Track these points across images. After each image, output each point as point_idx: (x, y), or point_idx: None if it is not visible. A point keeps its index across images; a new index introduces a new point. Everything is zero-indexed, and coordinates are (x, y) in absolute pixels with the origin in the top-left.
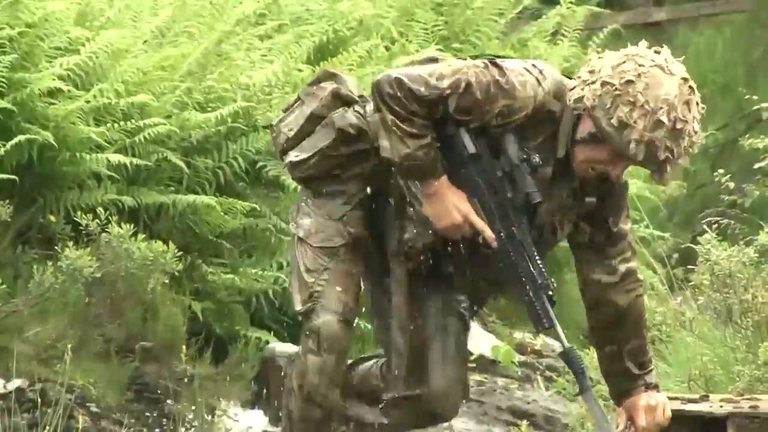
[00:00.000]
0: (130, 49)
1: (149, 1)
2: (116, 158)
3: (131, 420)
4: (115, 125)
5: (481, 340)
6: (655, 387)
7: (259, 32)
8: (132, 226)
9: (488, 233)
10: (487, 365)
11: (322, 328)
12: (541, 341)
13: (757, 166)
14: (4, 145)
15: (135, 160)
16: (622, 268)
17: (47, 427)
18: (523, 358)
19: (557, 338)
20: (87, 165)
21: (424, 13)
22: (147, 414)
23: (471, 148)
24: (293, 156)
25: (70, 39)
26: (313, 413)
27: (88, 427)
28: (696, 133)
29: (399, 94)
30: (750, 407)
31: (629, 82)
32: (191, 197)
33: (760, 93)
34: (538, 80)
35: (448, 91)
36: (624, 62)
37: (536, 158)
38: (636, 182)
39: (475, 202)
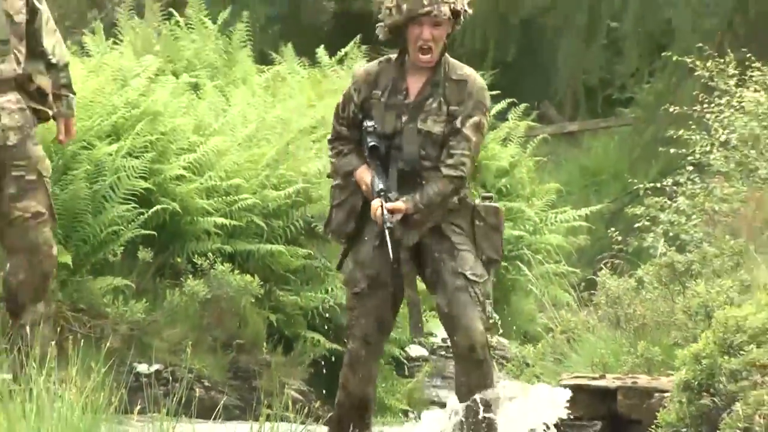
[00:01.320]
0: (229, 149)
1: (240, 117)
2: (220, 221)
3: (230, 391)
4: (219, 199)
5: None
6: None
7: (312, 137)
8: (230, 265)
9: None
10: None
11: (351, 351)
12: (495, 340)
13: (635, 226)
14: (147, 212)
15: (232, 222)
16: (454, 157)
17: (175, 396)
18: None
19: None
20: (201, 225)
21: None
22: (240, 387)
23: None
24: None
25: (190, 142)
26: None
27: (202, 396)
28: None
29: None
30: (632, 383)
31: None
32: (269, 246)
33: (639, 178)
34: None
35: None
36: None
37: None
38: (557, 236)
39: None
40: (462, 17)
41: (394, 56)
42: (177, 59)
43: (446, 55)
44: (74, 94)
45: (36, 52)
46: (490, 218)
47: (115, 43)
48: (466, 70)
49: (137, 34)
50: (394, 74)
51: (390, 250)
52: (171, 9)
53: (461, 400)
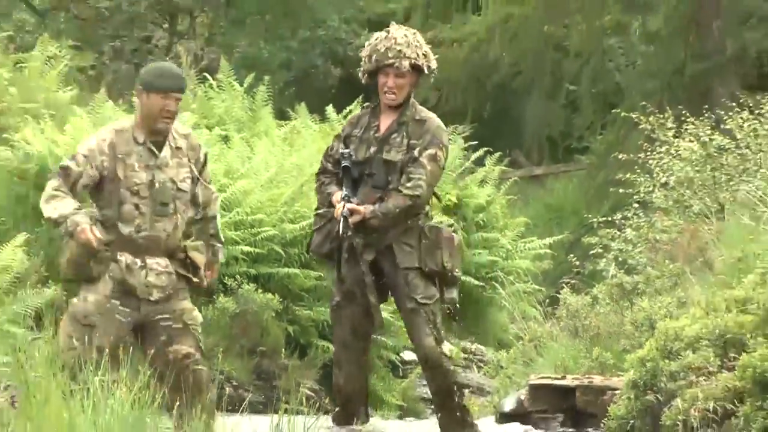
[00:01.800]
0: (253, 190)
1: (263, 163)
2: (246, 249)
3: (255, 390)
4: (245, 231)
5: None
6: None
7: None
8: (254, 285)
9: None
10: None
11: (334, 354)
12: (475, 347)
13: (590, 252)
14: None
15: (256, 249)
16: (412, 180)
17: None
18: (464, 355)
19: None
20: (230, 252)
21: None
22: (263, 386)
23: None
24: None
25: (221, 184)
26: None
27: (231, 394)
28: (403, 42)
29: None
30: (588, 382)
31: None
32: (286, 269)
33: (593, 213)
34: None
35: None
36: None
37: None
38: (525, 261)
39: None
40: (426, 71)
41: (371, 106)
42: (210, 115)
43: (412, 100)
44: (222, 243)
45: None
46: (432, 236)
47: None
48: (428, 114)
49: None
50: (370, 115)
51: (341, 228)
52: (205, 74)
53: (432, 400)
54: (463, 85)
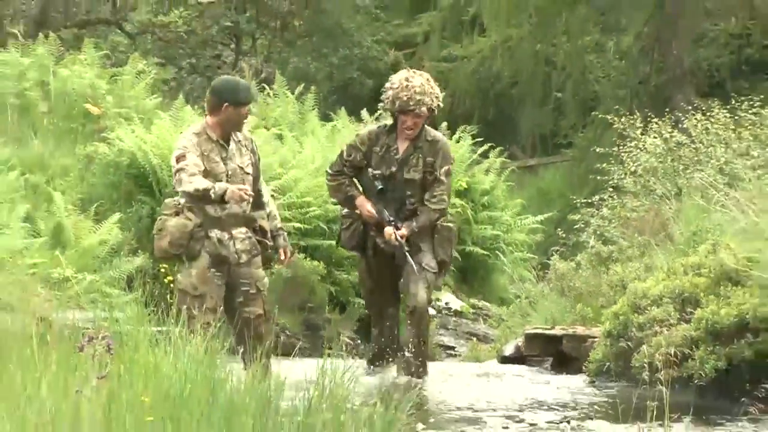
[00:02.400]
0: (302, 178)
1: (310, 156)
2: (297, 225)
3: (304, 338)
4: (296, 210)
5: (455, 303)
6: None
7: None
8: (304, 254)
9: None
10: (458, 314)
11: (372, 318)
12: (482, 303)
13: (574, 227)
14: None
15: (305, 225)
16: (436, 196)
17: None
18: (473, 310)
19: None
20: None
21: None
22: (311, 336)
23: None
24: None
25: (277, 173)
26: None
27: (285, 341)
28: (420, 91)
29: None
30: (572, 332)
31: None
32: (329, 242)
33: (576, 196)
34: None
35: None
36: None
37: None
38: (522, 234)
39: (373, 201)
40: (435, 111)
41: (388, 123)
42: (267, 118)
43: (424, 125)
44: (284, 231)
45: (259, 203)
46: (445, 233)
47: None
48: (436, 134)
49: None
50: (387, 138)
51: (407, 258)
52: (264, 84)
53: (408, 344)
54: (471, 93)
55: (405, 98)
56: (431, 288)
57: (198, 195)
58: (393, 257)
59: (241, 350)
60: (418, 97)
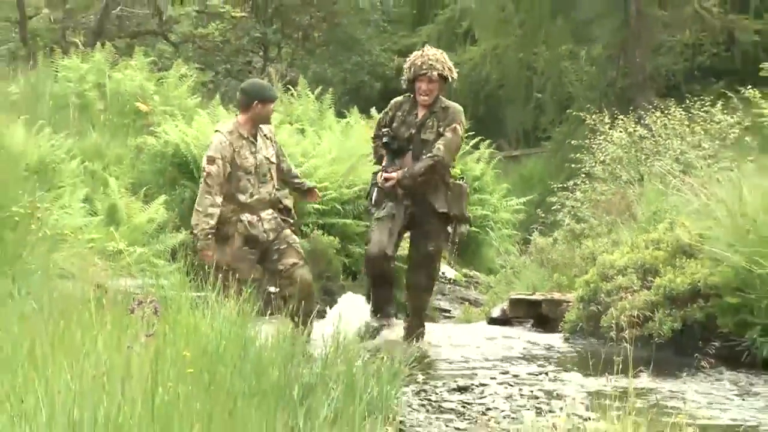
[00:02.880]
0: (321, 166)
1: (327, 148)
2: (316, 206)
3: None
4: None
5: (450, 272)
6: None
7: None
8: (322, 231)
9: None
10: (453, 282)
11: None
12: (473, 273)
13: (552, 208)
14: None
15: (323, 206)
16: (435, 148)
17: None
18: (465, 278)
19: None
20: (307, 209)
21: None
22: (328, 300)
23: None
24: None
25: (299, 162)
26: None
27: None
28: (433, 59)
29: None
30: (550, 297)
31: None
32: (344, 220)
33: (554, 181)
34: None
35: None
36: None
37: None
38: (507, 214)
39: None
40: (450, 79)
41: (411, 95)
42: (291, 115)
43: (440, 96)
44: (304, 179)
45: (286, 182)
46: (456, 190)
47: None
48: (450, 103)
49: None
50: (409, 105)
51: (374, 196)
52: (288, 86)
53: (409, 294)
54: (464, 94)
55: (419, 63)
56: (438, 244)
57: (194, 220)
58: (411, 214)
59: (285, 308)
60: (430, 62)
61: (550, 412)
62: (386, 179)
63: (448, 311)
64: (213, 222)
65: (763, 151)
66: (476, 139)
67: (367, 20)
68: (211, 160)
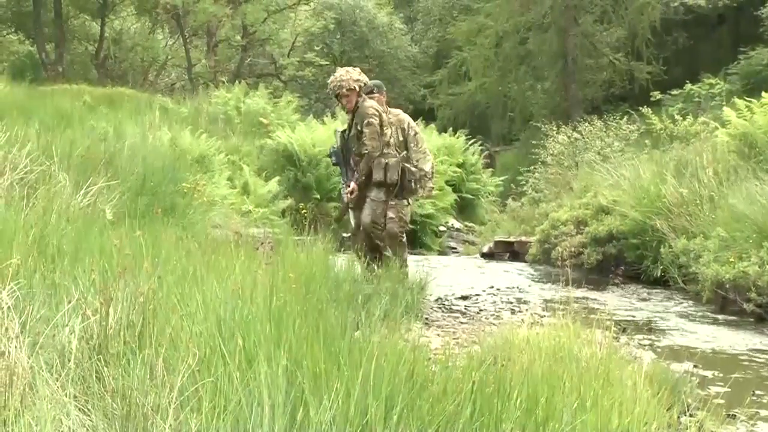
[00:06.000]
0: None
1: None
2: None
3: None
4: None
5: (457, 224)
6: None
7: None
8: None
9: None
10: (458, 230)
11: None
12: (470, 223)
13: (521, 184)
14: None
15: None
16: (362, 145)
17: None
18: (467, 227)
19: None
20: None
21: None
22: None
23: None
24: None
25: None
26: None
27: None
28: (339, 79)
29: None
30: (520, 239)
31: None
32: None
33: (521, 166)
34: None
35: None
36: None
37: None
38: (491, 187)
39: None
40: (357, 87)
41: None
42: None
43: (359, 101)
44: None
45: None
46: (376, 163)
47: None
48: (362, 103)
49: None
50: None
51: (346, 205)
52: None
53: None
54: (464, 112)
55: (331, 86)
56: (377, 211)
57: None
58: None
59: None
60: (338, 82)
61: (520, 312)
62: (350, 192)
63: (456, 248)
64: None
65: (653, 147)
66: (472, 141)
67: (403, 66)
68: (375, 114)
